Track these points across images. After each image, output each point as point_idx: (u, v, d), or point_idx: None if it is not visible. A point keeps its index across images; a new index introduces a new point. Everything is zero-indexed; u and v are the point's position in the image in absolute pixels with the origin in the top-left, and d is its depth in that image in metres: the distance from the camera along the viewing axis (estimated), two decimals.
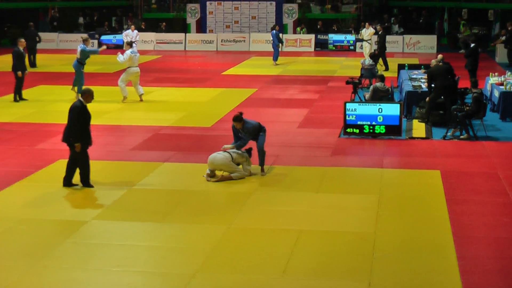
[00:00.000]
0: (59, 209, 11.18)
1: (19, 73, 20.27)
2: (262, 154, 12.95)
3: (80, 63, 20.84)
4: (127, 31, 31.66)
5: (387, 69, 26.75)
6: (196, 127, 17.20)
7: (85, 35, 23.63)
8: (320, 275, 8.67)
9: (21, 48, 20.71)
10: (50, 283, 8.47)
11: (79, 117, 12.07)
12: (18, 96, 20.63)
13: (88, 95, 12.24)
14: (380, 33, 27.95)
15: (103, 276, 8.65)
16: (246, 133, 12.86)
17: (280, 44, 30.20)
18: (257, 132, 12.95)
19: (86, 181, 12.21)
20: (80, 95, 12.58)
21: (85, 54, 20.93)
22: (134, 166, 13.65)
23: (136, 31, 31.69)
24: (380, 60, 22.98)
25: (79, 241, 9.80)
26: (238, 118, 12.76)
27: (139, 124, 17.45)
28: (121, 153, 14.61)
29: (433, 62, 18.09)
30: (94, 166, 13.09)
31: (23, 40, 21.35)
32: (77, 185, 12.25)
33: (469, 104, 16.50)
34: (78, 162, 12.18)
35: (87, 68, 28.22)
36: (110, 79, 25.74)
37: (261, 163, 12.96)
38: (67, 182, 12.25)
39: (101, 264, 9.00)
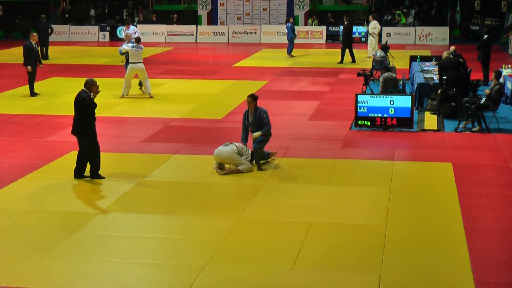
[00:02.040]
0: (69, 201, 11.19)
1: (29, 67, 20.20)
2: (257, 154, 12.80)
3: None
4: (126, 29, 28.26)
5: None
6: (206, 119, 17.17)
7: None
8: (330, 267, 8.62)
9: (33, 42, 20.54)
10: (59, 274, 8.47)
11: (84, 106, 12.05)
12: (30, 90, 20.52)
13: (91, 85, 12.14)
14: (345, 24, 27.97)
15: (112, 268, 8.64)
16: (257, 118, 12.77)
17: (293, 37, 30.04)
18: (265, 121, 12.84)
19: (95, 173, 12.21)
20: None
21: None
22: (144, 158, 13.64)
23: (132, 27, 27.46)
24: (390, 53, 22.87)
25: (88, 232, 9.80)
26: (255, 96, 12.85)
27: (149, 116, 17.43)
28: (131, 145, 14.60)
29: (445, 54, 17.99)
30: (104, 158, 13.09)
31: (35, 34, 21.19)
32: (88, 177, 12.25)
33: (481, 96, 16.40)
34: (86, 155, 12.16)
35: (97, 61, 28.37)
36: (121, 72, 25.72)
37: (257, 161, 12.85)
38: (78, 174, 12.25)
39: (110, 256, 9.00)
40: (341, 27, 35.48)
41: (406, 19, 37.67)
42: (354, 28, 35.75)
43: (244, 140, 12.97)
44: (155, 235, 9.83)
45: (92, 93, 11.93)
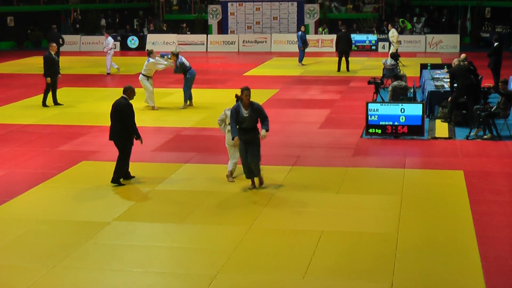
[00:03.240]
0: (81, 211, 11.22)
1: (48, 79, 20.28)
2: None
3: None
4: (105, 38, 28.67)
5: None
6: (217, 128, 17.11)
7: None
8: (342, 276, 8.61)
9: (52, 53, 20.62)
10: (71, 283, 8.49)
11: (128, 113, 12.49)
12: (53, 100, 20.59)
13: (130, 92, 12.60)
14: (342, 31, 28.28)
15: (124, 277, 8.65)
16: (255, 110, 12.08)
17: (304, 46, 29.97)
18: (264, 113, 12.13)
19: (115, 178, 12.45)
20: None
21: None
22: (156, 167, 13.67)
23: (109, 39, 28.38)
24: (400, 61, 22.87)
25: (100, 242, 9.83)
26: (248, 88, 12.32)
27: (160, 126, 17.47)
28: (142, 154, 14.62)
29: (455, 61, 17.96)
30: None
31: (54, 44, 21.24)
32: (131, 178, 12.68)
33: (492, 104, 16.35)
34: (120, 157, 12.49)
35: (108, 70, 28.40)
36: (131, 81, 25.78)
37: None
38: (125, 177, 12.66)
39: (122, 265, 9.01)
40: (352, 35, 35.66)
41: (416, 27, 37.63)
42: (365, 36, 35.86)
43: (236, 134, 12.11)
44: (166, 244, 9.84)
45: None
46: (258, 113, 12.07)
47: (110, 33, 31.89)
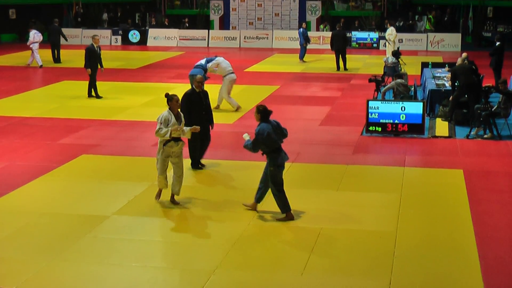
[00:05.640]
0: (80, 204, 11.23)
1: (89, 70, 20.36)
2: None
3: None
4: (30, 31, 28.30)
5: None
6: (217, 123, 17.14)
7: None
8: (340, 273, 8.62)
9: (95, 45, 20.66)
10: (70, 277, 8.50)
11: (192, 103, 12.72)
12: (94, 92, 20.65)
13: (199, 81, 13.09)
14: (337, 30, 28.20)
15: (123, 271, 8.67)
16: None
17: (306, 43, 29.90)
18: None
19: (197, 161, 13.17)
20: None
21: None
22: (155, 162, 13.64)
23: (33, 31, 27.91)
24: (401, 59, 22.84)
25: (99, 235, 9.84)
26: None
27: None
28: (142, 149, 14.63)
29: (459, 60, 17.98)
30: (116, 161, 13.16)
31: (97, 37, 21.29)
32: (204, 165, 13.19)
33: (493, 104, 16.35)
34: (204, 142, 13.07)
35: (109, 64, 28.42)
36: (133, 75, 25.84)
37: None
38: (195, 164, 13.16)
39: (121, 259, 9.03)
40: (353, 33, 35.66)
41: (420, 26, 37.62)
42: (366, 34, 35.84)
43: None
44: (166, 239, 9.86)
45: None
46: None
47: (111, 27, 31.90)
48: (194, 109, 12.69)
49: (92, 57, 20.51)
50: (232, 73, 18.74)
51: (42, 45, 28.41)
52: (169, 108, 10.89)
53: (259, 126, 10.28)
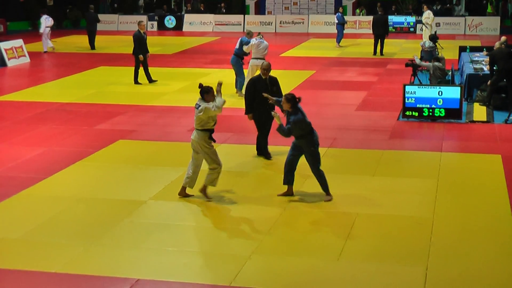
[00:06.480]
0: (117, 189, 11.32)
1: (141, 56, 20.53)
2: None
3: (238, 56, 18.88)
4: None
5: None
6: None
7: (248, 29, 20.88)
8: (376, 259, 8.58)
9: (141, 31, 20.78)
10: (107, 262, 8.58)
11: (256, 90, 12.52)
12: (147, 78, 20.83)
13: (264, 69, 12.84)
14: (379, 14, 27.73)
15: (159, 256, 8.72)
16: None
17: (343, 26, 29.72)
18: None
19: (262, 150, 13.04)
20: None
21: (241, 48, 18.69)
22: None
23: (44, 16, 28.47)
24: (439, 43, 22.55)
25: (136, 220, 9.91)
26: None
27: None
28: (179, 134, 14.69)
29: (497, 44, 17.73)
30: (152, 146, 13.23)
31: (143, 23, 21.44)
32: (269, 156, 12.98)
33: None
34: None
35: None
36: (169, 61, 25.94)
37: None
38: (260, 151, 13.08)
39: (158, 244, 9.08)
40: (390, 17, 35.30)
41: (457, 10, 37.14)
42: (403, 18, 35.50)
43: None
44: (202, 224, 9.90)
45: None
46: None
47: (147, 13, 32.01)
48: (258, 96, 12.45)
49: (141, 43, 20.63)
50: (255, 58, 18.15)
51: (78, 31, 28.62)
52: (203, 99, 10.77)
53: (295, 116, 10.36)
